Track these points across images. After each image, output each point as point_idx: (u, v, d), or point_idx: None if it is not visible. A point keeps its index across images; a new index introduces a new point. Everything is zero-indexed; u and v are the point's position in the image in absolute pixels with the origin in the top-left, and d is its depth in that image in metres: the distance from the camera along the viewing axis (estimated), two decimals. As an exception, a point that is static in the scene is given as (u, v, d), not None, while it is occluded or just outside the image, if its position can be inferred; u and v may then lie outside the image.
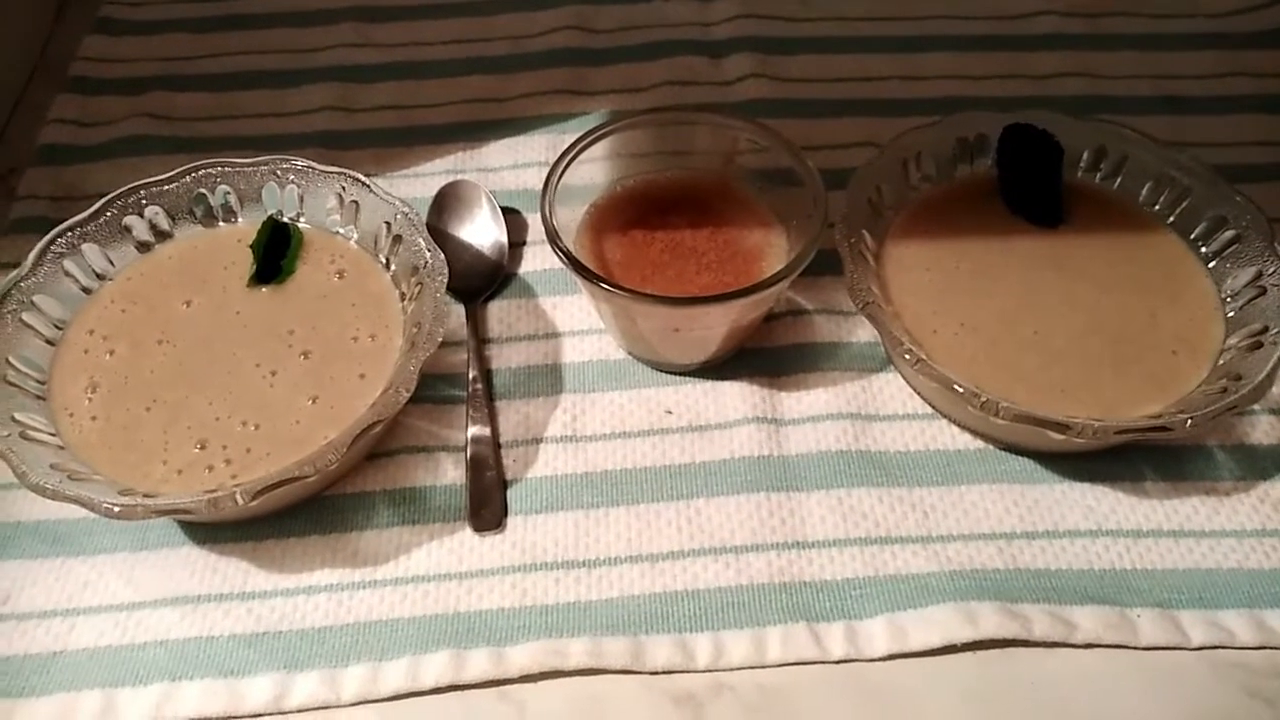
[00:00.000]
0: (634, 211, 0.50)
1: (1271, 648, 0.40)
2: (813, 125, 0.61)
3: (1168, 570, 0.43)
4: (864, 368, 0.50)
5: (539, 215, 0.50)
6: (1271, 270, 0.45)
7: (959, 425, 0.47)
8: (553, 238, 0.45)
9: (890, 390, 0.49)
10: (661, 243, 0.48)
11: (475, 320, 0.51)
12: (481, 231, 0.54)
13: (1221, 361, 0.44)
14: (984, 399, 0.41)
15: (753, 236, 0.49)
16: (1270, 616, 0.41)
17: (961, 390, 0.41)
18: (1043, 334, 0.46)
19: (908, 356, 0.43)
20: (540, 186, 0.57)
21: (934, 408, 0.48)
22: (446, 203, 0.55)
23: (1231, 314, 0.46)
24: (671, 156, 0.51)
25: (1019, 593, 0.42)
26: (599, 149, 0.49)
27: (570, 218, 0.49)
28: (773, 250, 0.48)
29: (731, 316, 0.44)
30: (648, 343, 0.48)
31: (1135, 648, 0.41)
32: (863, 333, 0.51)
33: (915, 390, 0.48)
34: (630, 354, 0.50)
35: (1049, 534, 0.44)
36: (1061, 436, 0.40)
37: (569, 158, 0.48)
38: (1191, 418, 0.40)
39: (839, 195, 0.48)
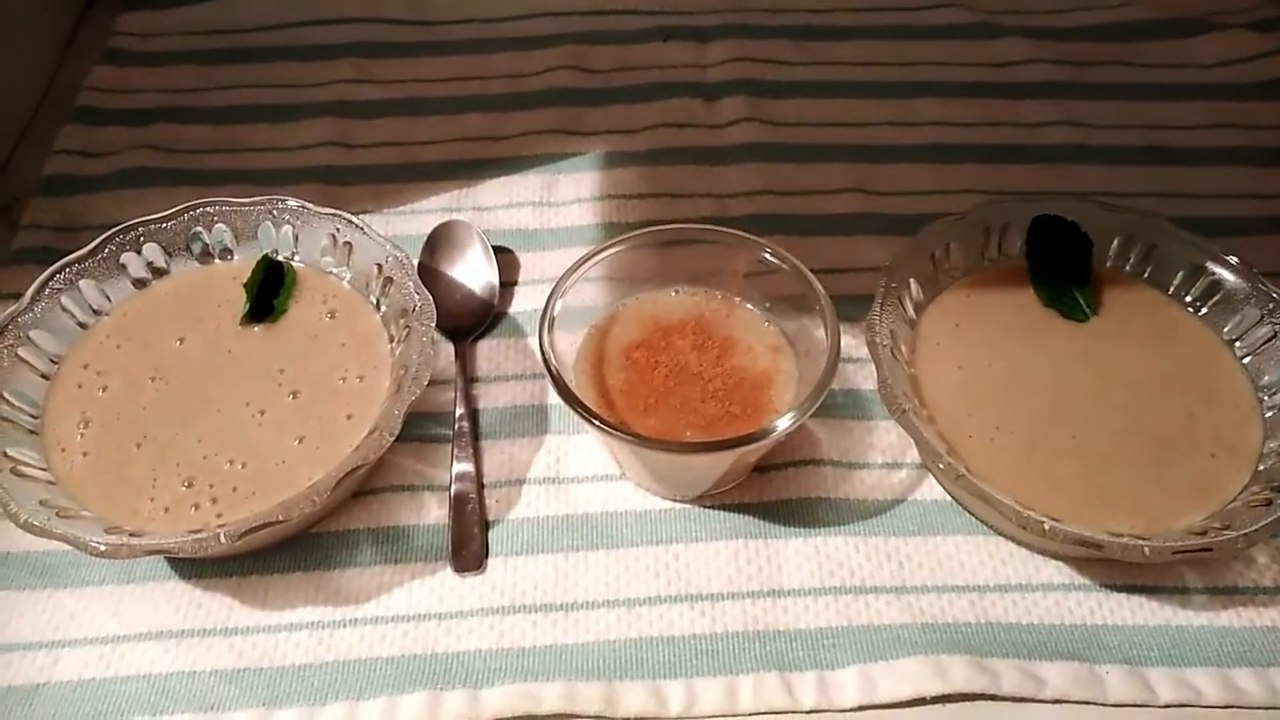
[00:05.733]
0: (637, 333, 0.48)
1: (1237, 707, 0.41)
2: (803, 169, 0.62)
3: (1138, 626, 0.43)
4: (846, 415, 0.50)
5: (531, 257, 0.51)
6: None
7: (989, 527, 0.46)
8: (547, 364, 0.43)
9: (870, 439, 0.49)
10: (665, 368, 0.46)
11: (464, 359, 0.52)
12: (473, 271, 0.55)
13: (1263, 467, 0.43)
14: (1031, 517, 0.40)
15: (761, 362, 0.46)
16: (1237, 675, 0.41)
17: (1011, 508, 0.40)
18: (1081, 439, 0.45)
19: (942, 466, 0.42)
20: (533, 226, 0.59)
21: (969, 511, 0.46)
22: (439, 243, 0.56)
23: (1270, 414, 0.45)
24: (678, 274, 0.49)
25: (989, 647, 0.42)
26: (600, 269, 0.47)
27: (570, 341, 0.47)
28: (781, 377, 0.46)
29: (733, 458, 0.43)
30: (642, 472, 0.46)
31: (1103, 704, 0.41)
32: (857, 380, 0.51)
33: (947, 491, 0.47)
34: (624, 476, 0.48)
35: (1022, 588, 0.44)
36: (1105, 554, 0.39)
37: (569, 279, 0.46)
38: (1241, 538, 0.39)
39: (853, 298, 0.48)
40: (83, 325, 0.48)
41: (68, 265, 0.48)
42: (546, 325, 0.45)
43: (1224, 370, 0.47)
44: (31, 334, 0.46)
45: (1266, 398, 0.46)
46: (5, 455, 0.42)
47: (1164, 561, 0.40)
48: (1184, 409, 0.46)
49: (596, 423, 0.41)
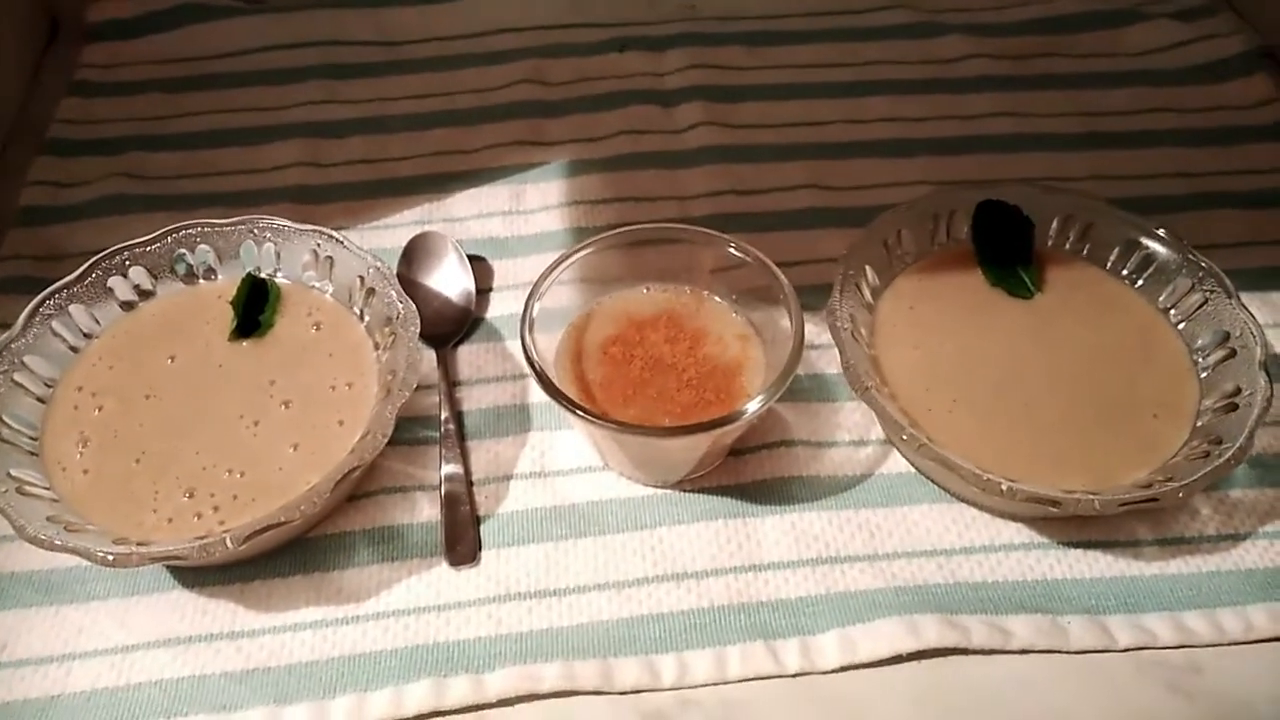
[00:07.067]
0: (613, 329, 0.50)
1: (1190, 646, 0.44)
2: (760, 169, 0.65)
3: (1096, 579, 0.46)
4: (813, 398, 0.53)
5: (504, 264, 0.52)
6: (1239, 333, 0.47)
7: (952, 494, 0.49)
8: (530, 361, 0.46)
9: (837, 419, 0.52)
10: (641, 360, 0.48)
11: (446, 364, 0.54)
12: (449, 280, 0.57)
13: (1200, 423, 0.46)
14: (989, 479, 0.43)
15: (731, 351, 0.49)
16: (1188, 618, 0.44)
17: (971, 472, 0.43)
18: (1031, 407, 0.48)
19: (905, 438, 0.44)
20: (504, 234, 0.61)
21: (932, 480, 0.49)
22: (415, 254, 0.58)
23: (1205, 374, 0.48)
24: (648, 272, 0.51)
25: (958, 604, 0.45)
26: (573, 271, 0.50)
27: (549, 340, 0.49)
28: (751, 364, 0.49)
29: (709, 440, 0.45)
30: (624, 460, 0.49)
31: (1066, 651, 0.44)
32: (821, 365, 0.54)
33: (911, 463, 0.50)
34: (607, 466, 0.50)
35: (985, 549, 0.47)
36: (1060, 510, 0.42)
37: (546, 280, 0.48)
38: (1182, 487, 0.42)
39: (814, 288, 0.51)
40: (74, 349, 0.50)
41: (56, 291, 0.49)
42: (527, 326, 0.47)
43: (1161, 337, 0.51)
44: (25, 359, 0.47)
45: (1201, 360, 0.49)
46: (9, 475, 0.43)
47: (1113, 514, 0.43)
48: (1126, 374, 0.49)
49: (580, 414, 0.44)
